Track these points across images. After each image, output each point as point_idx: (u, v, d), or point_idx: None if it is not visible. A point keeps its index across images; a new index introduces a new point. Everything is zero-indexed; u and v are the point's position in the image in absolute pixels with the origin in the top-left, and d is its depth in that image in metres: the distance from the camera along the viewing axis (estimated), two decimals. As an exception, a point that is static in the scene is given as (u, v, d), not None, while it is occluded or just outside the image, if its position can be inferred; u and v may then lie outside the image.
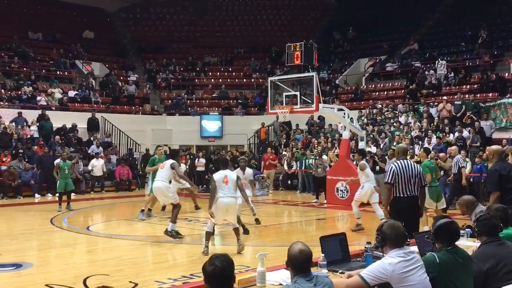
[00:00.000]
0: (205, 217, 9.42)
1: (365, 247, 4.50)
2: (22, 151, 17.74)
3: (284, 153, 19.92)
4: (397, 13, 28.32)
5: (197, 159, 20.01)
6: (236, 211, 8.35)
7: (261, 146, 22.51)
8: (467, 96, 19.16)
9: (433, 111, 18.85)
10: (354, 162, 12.36)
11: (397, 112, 19.94)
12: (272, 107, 14.71)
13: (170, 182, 9.81)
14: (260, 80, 26.82)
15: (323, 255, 4.14)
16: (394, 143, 16.45)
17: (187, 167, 18.25)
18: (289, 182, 19.64)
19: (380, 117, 19.99)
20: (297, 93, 14.29)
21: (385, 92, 23.45)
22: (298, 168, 18.66)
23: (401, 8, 28.48)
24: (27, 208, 14.31)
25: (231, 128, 24.46)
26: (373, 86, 24.65)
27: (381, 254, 3.79)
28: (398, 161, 6.79)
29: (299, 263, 3.24)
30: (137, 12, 32.88)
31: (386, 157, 14.71)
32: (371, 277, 3.52)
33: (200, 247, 8.00)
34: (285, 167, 19.38)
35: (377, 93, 23.83)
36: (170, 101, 26.56)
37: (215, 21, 32.58)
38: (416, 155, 13.67)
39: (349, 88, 25.06)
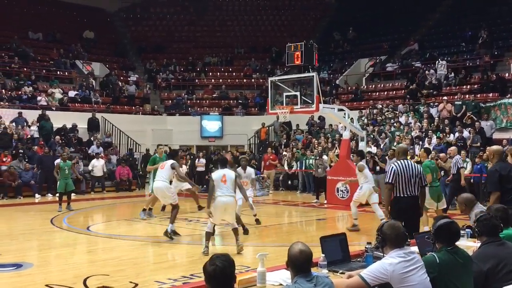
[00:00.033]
0: (205, 218, 9.41)
1: (366, 247, 4.50)
2: (22, 151, 17.72)
3: (284, 153, 19.91)
4: (397, 13, 28.33)
5: (197, 159, 20.00)
6: (234, 211, 8.33)
7: (261, 146, 22.51)
8: (467, 96, 19.16)
9: (433, 111, 18.84)
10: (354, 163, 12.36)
11: (397, 112, 19.93)
12: (273, 107, 14.69)
13: (170, 182, 9.82)
14: (260, 80, 26.81)
15: (323, 255, 4.14)
16: (395, 143, 16.44)
17: (188, 167, 18.23)
18: (289, 182, 19.63)
19: (380, 117, 19.98)
20: (298, 93, 14.26)
21: (386, 92, 23.45)
22: (298, 168, 18.66)
23: (401, 8, 28.49)
24: (27, 208, 14.30)
25: (232, 128, 24.45)
26: (373, 86, 24.65)
27: (382, 254, 3.79)
28: (399, 161, 6.80)
29: (299, 263, 3.23)
30: (137, 12, 32.89)
31: (386, 157, 14.69)
32: (372, 277, 3.52)
33: (200, 247, 7.99)
34: (285, 167, 19.37)
35: (378, 93, 23.82)
36: (170, 101, 26.55)
37: (215, 21, 32.57)
38: (417, 155, 13.66)
39: (349, 88, 25.05)
